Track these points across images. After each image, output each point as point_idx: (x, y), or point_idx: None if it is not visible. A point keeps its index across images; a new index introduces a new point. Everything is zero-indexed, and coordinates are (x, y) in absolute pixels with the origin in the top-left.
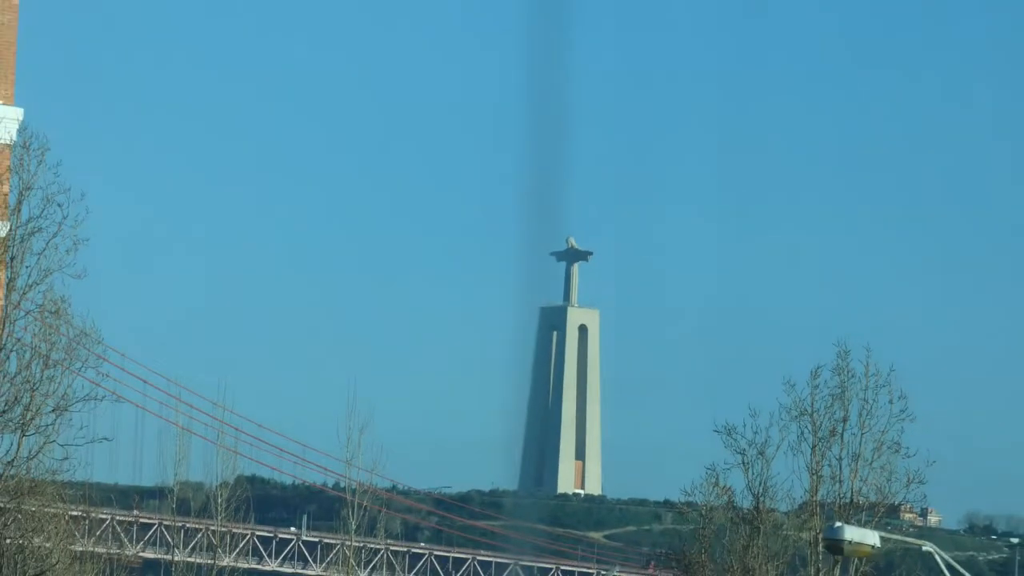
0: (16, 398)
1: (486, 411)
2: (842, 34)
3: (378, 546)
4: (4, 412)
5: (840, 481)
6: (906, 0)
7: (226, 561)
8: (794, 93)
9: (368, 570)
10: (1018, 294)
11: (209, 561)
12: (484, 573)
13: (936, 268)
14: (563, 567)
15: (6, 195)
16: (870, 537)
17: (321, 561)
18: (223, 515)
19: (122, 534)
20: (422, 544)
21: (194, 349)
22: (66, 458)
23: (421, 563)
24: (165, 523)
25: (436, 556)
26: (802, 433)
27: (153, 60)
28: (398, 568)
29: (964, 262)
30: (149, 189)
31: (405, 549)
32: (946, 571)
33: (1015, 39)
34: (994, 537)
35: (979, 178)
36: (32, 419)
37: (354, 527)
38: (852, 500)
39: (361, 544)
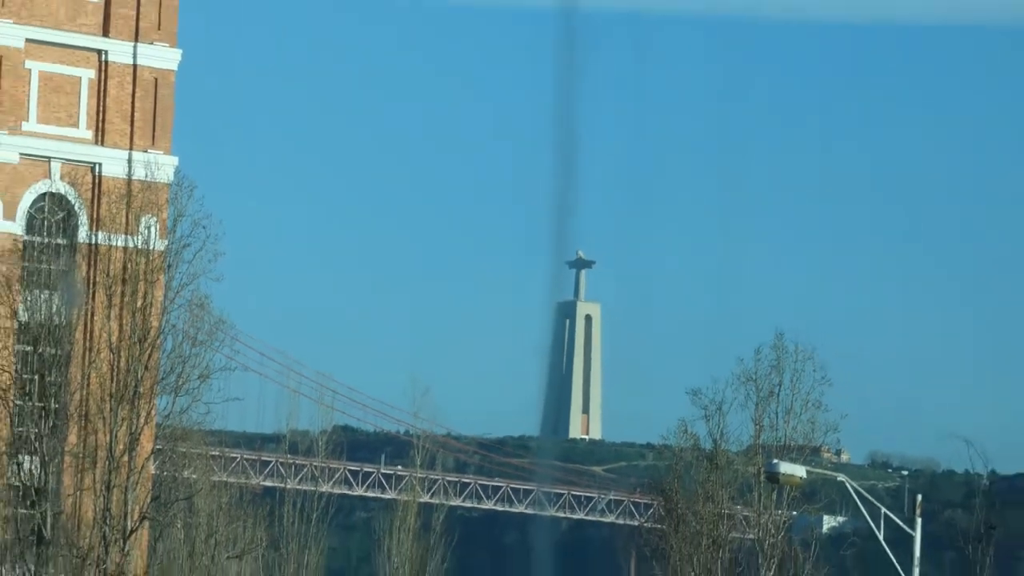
0: (171, 369)
1: (518, 377)
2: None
3: (436, 476)
4: (163, 379)
5: (776, 429)
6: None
7: (324, 488)
8: (773, 129)
9: (429, 494)
10: (911, 295)
11: (312, 488)
12: (515, 497)
13: (850, 270)
14: (573, 492)
15: (165, 220)
16: (799, 471)
17: (395, 488)
18: (322, 454)
19: (248, 468)
20: (469, 475)
21: (303, 330)
22: (207, 413)
23: (468, 489)
24: (280, 460)
25: (479, 484)
26: (748, 394)
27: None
28: (451, 493)
29: (872, 262)
30: (272, 202)
31: (456, 479)
32: (854, 495)
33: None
34: (890, 470)
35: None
36: (183, 384)
37: (419, 463)
38: (785, 443)
39: (424, 475)
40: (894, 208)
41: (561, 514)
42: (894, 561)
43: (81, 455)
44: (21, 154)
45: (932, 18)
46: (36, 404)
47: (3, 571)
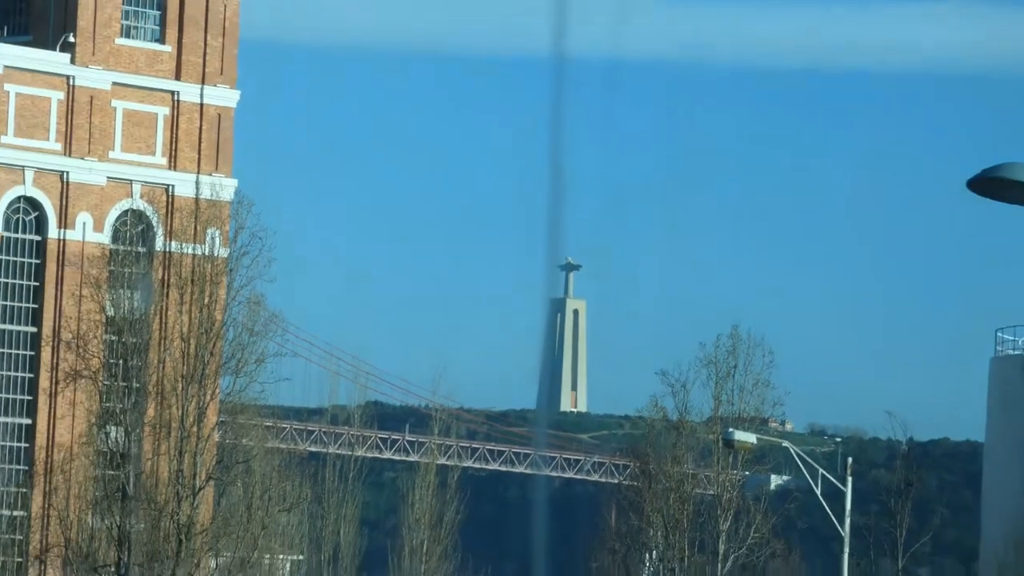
0: (232, 355)
1: (519, 359)
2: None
3: (451, 443)
4: (225, 363)
5: (732, 404)
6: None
7: (359, 453)
8: (727, 159)
9: (445, 457)
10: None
11: (348, 452)
12: (516, 460)
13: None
14: (564, 456)
15: (227, 232)
16: (750, 438)
17: (417, 452)
18: (357, 424)
19: (296, 436)
20: (478, 442)
21: (341, 320)
22: (262, 391)
23: (477, 453)
24: (322, 430)
25: (487, 449)
26: (709, 375)
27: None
28: (463, 456)
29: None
30: (315, 213)
31: (467, 445)
32: (796, 458)
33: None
34: (826, 437)
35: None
36: (242, 368)
37: (436, 431)
38: (739, 415)
39: (440, 442)
40: (828, 220)
41: (554, 474)
42: (829, 512)
43: (158, 426)
44: (108, 177)
45: (860, 66)
46: (120, 384)
47: (94, 521)
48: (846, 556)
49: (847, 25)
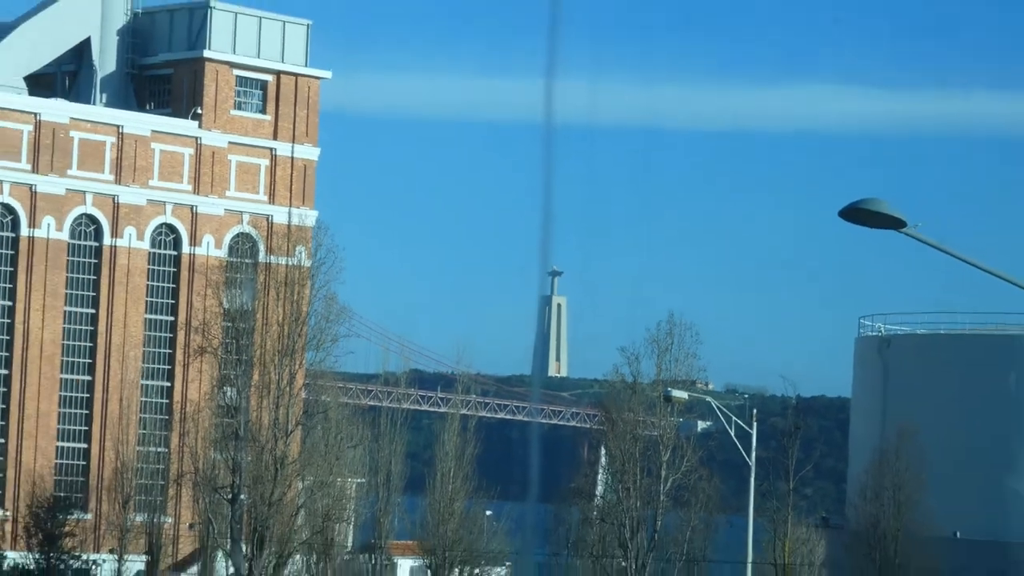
0: (314, 336)
1: (520, 339)
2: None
3: (470, 399)
4: (309, 342)
5: (670, 371)
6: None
7: (404, 406)
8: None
9: (465, 409)
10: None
11: (396, 406)
12: (516, 411)
13: (722, 272)
14: (551, 408)
15: (310, 248)
16: (683, 395)
17: (446, 406)
18: (403, 385)
19: (359, 394)
20: (489, 398)
21: (392, 309)
22: (335, 362)
23: (488, 407)
24: (378, 389)
25: (496, 403)
26: (654, 349)
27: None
28: (479, 408)
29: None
30: (376, 231)
31: (482, 400)
32: (716, 409)
33: None
34: (737, 394)
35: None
36: (320, 345)
37: (460, 390)
38: (675, 379)
39: (462, 398)
40: (746, 240)
41: (543, 421)
42: (740, 448)
43: (260, 387)
44: (225, 209)
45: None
46: (234, 357)
47: (215, 455)
48: (752, 479)
49: (768, 101)
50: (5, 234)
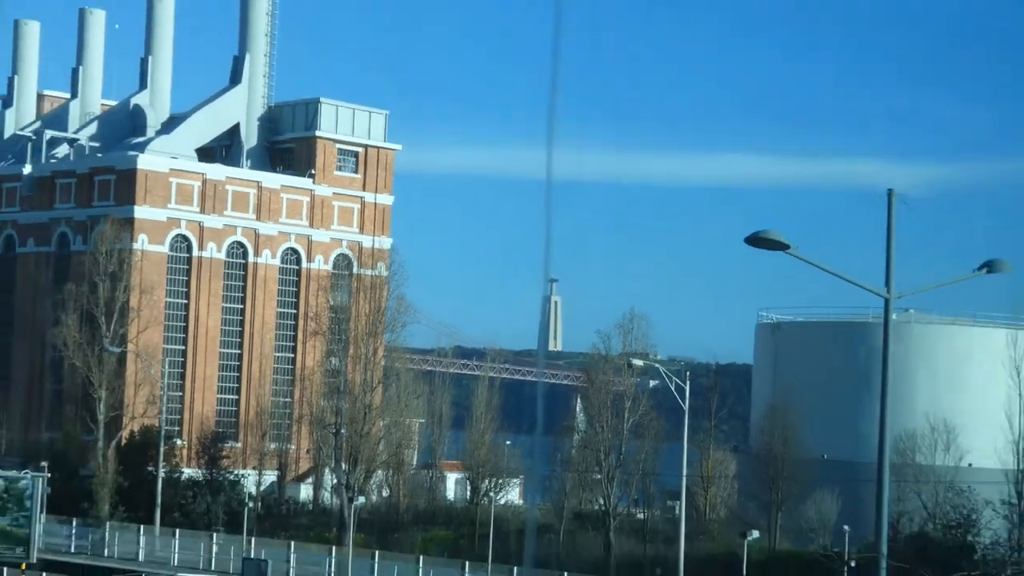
0: (390, 323)
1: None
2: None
3: (495, 365)
4: (387, 327)
5: (632, 346)
6: None
7: (451, 370)
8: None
9: (492, 373)
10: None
11: (445, 371)
12: (527, 375)
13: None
14: (551, 372)
15: (388, 263)
16: (640, 362)
17: (479, 370)
18: (450, 356)
19: (420, 362)
20: (508, 364)
21: (443, 303)
22: (404, 340)
23: (507, 371)
24: (433, 359)
25: (514, 368)
26: (620, 333)
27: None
28: (501, 372)
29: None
30: (430, 245)
31: (503, 367)
32: (663, 373)
33: None
34: (676, 361)
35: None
36: (394, 329)
37: (488, 360)
38: (635, 352)
39: (491, 365)
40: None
41: (546, 380)
42: (678, 398)
43: (354, 358)
44: (330, 238)
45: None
46: (336, 337)
47: (323, 403)
48: (686, 419)
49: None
50: (183, 255)
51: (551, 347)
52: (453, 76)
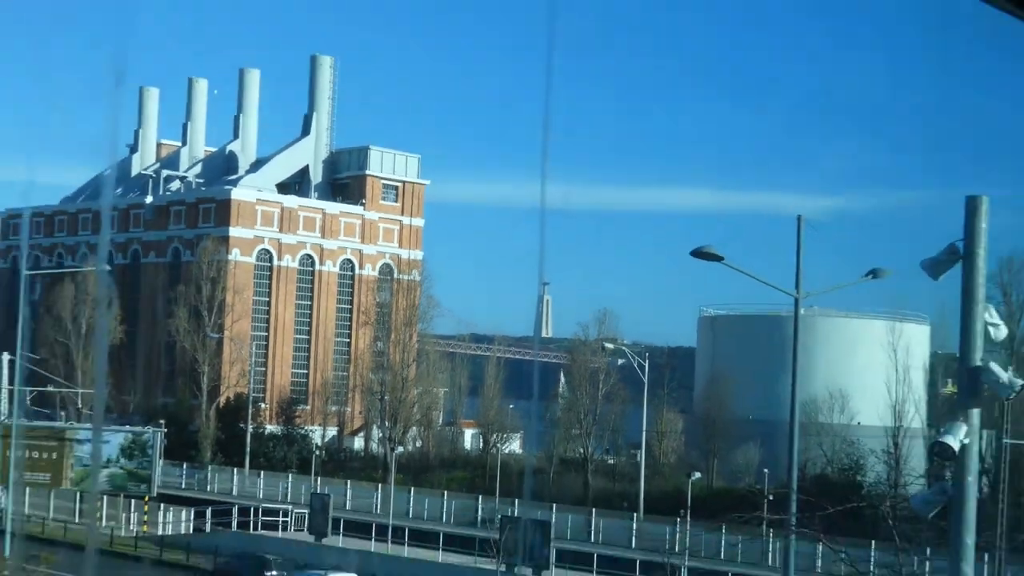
0: (422, 315)
1: (527, 317)
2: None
3: (502, 347)
4: (420, 319)
5: (604, 333)
6: None
7: (468, 352)
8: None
9: (499, 353)
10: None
11: (464, 351)
12: (525, 355)
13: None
14: (542, 352)
15: (420, 271)
16: (611, 345)
17: (489, 352)
18: (467, 340)
19: (444, 345)
20: (511, 346)
21: (461, 301)
22: (432, 329)
23: (511, 351)
24: (454, 343)
25: (514, 349)
26: (596, 324)
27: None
28: (506, 352)
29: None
30: (452, 258)
31: (508, 348)
32: (629, 354)
33: None
34: (639, 345)
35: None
36: (425, 320)
37: (496, 343)
38: (607, 338)
39: (499, 347)
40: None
41: (540, 360)
42: (640, 373)
43: (395, 342)
44: (376, 251)
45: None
46: (381, 326)
47: (372, 376)
48: (645, 390)
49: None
50: (266, 264)
51: (543, 334)
52: (469, 126)
